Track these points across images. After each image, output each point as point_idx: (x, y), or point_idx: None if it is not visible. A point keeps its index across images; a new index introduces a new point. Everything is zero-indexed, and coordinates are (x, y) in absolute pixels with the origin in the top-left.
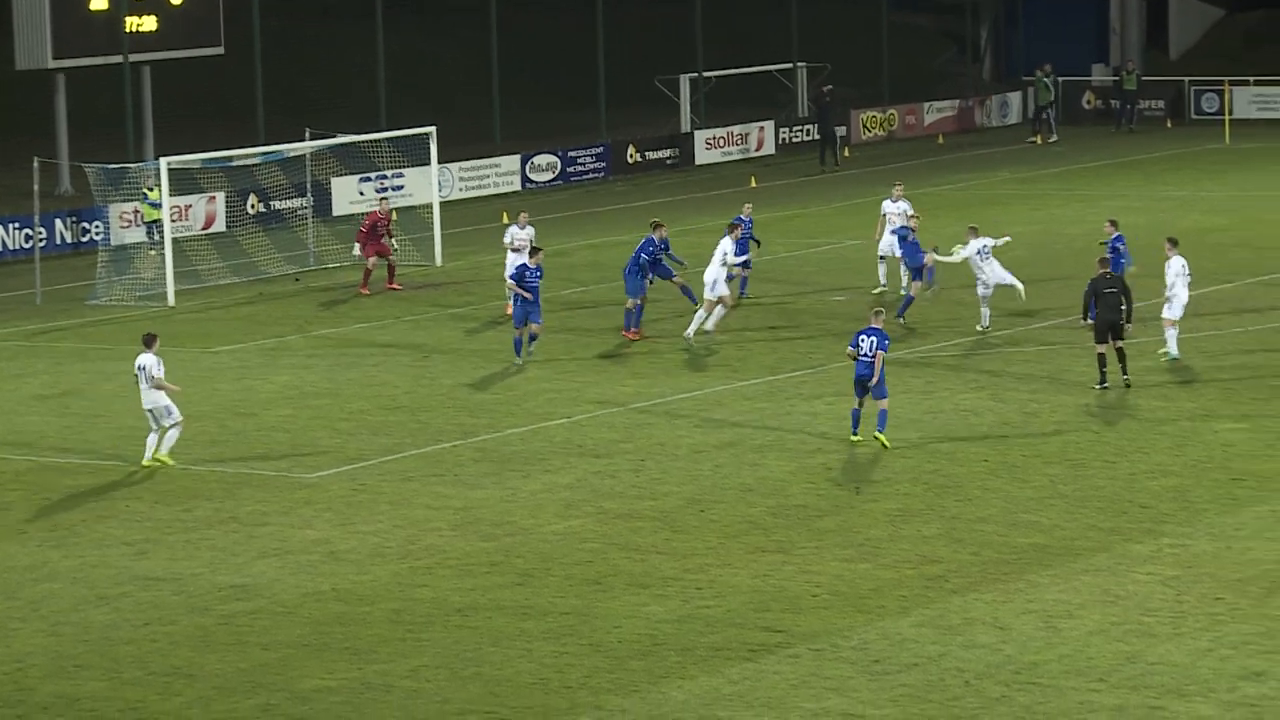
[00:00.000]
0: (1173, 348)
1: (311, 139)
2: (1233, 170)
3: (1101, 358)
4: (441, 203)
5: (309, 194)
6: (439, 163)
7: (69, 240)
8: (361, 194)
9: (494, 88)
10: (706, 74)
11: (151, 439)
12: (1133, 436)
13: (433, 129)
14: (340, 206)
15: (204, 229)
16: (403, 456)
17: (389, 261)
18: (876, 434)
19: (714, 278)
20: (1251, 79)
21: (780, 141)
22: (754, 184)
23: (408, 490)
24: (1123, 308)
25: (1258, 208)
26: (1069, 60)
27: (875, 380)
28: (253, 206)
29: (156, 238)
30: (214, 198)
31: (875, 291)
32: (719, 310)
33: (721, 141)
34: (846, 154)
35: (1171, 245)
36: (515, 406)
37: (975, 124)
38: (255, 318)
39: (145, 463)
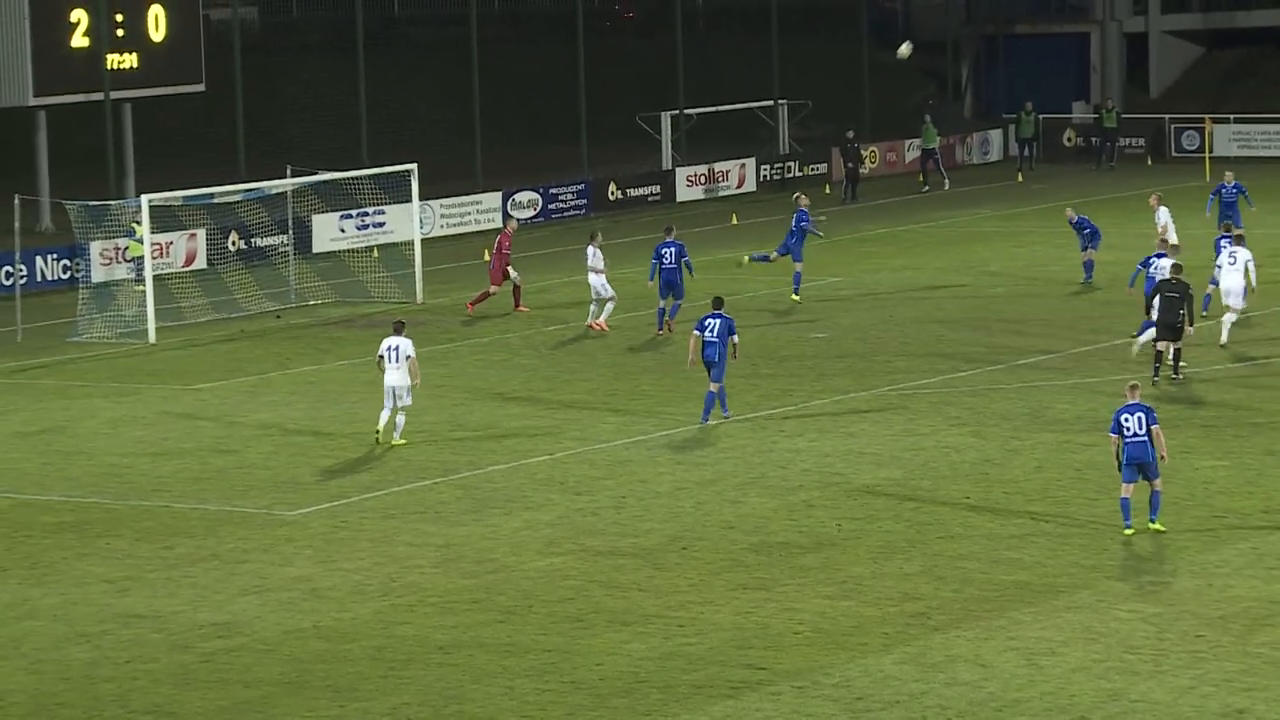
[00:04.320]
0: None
1: (293, 176)
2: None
3: (1159, 354)
4: (423, 239)
5: (290, 231)
6: (420, 199)
7: (50, 277)
8: (342, 231)
9: (475, 124)
10: (688, 111)
11: (384, 415)
12: (1115, 473)
13: (414, 166)
14: (321, 244)
15: (185, 266)
16: (384, 494)
17: (515, 284)
18: (1151, 523)
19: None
20: (1231, 116)
21: (761, 179)
22: (735, 221)
23: (389, 528)
24: (1182, 311)
25: None
26: (1049, 98)
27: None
28: (234, 243)
29: (141, 274)
30: (195, 235)
31: None
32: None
33: (703, 178)
34: (827, 190)
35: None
36: (496, 444)
37: (957, 161)
38: (236, 355)
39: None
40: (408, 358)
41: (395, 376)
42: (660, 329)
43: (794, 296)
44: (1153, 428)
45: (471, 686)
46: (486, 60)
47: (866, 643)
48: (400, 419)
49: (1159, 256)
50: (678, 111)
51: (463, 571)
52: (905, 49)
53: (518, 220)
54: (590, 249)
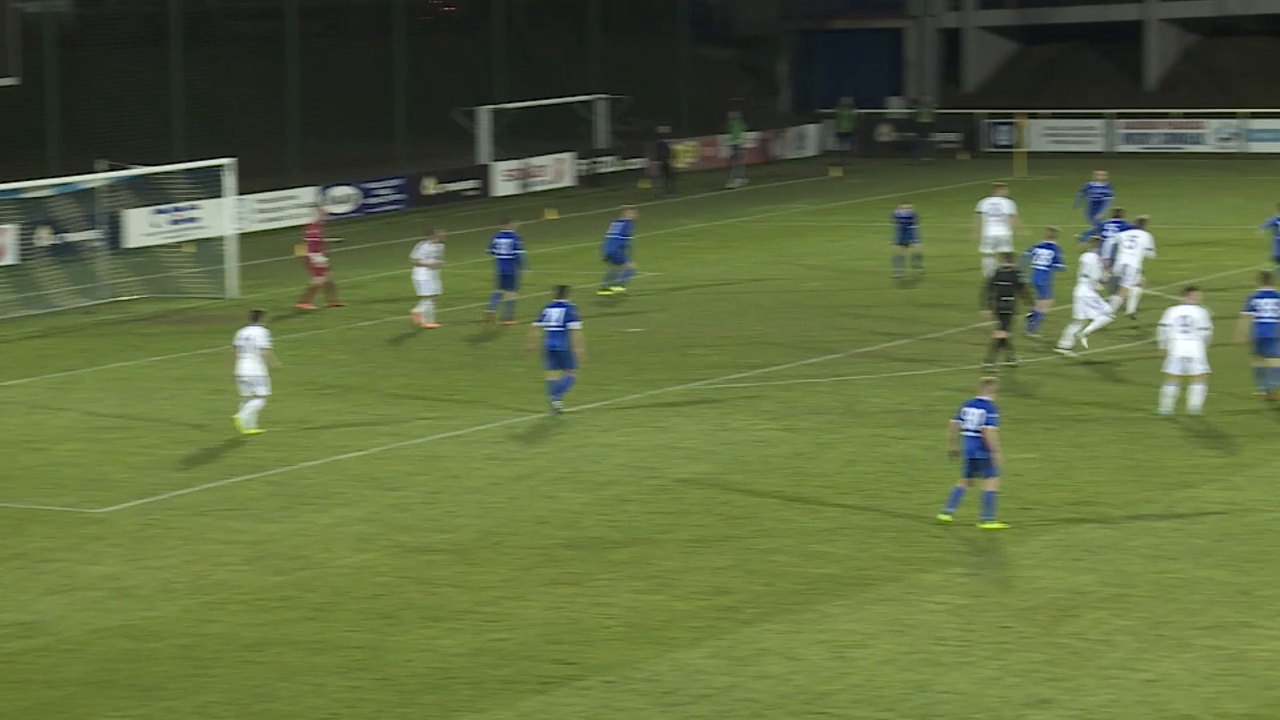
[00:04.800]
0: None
1: (106, 170)
2: (1028, 203)
3: (999, 341)
4: (238, 234)
5: (102, 226)
6: (236, 194)
7: None
8: (156, 226)
9: (291, 118)
10: (506, 106)
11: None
12: (925, 467)
13: (229, 160)
14: (134, 238)
15: None
16: (195, 491)
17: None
18: (981, 523)
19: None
20: (1045, 112)
21: (579, 173)
22: (553, 216)
23: (199, 525)
24: (1010, 299)
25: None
26: (866, 93)
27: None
28: (45, 239)
29: None
30: (4, 230)
31: None
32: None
33: (520, 173)
34: (645, 186)
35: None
36: (309, 439)
37: (774, 156)
38: (45, 351)
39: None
40: (261, 348)
41: (248, 366)
42: (491, 309)
43: (617, 288)
44: (986, 428)
45: (280, 684)
46: (304, 54)
47: (677, 637)
48: (254, 405)
49: (1044, 248)
50: (496, 106)
51: (273, 568)
52: None
53: (327, 211)
54: (426, 244)
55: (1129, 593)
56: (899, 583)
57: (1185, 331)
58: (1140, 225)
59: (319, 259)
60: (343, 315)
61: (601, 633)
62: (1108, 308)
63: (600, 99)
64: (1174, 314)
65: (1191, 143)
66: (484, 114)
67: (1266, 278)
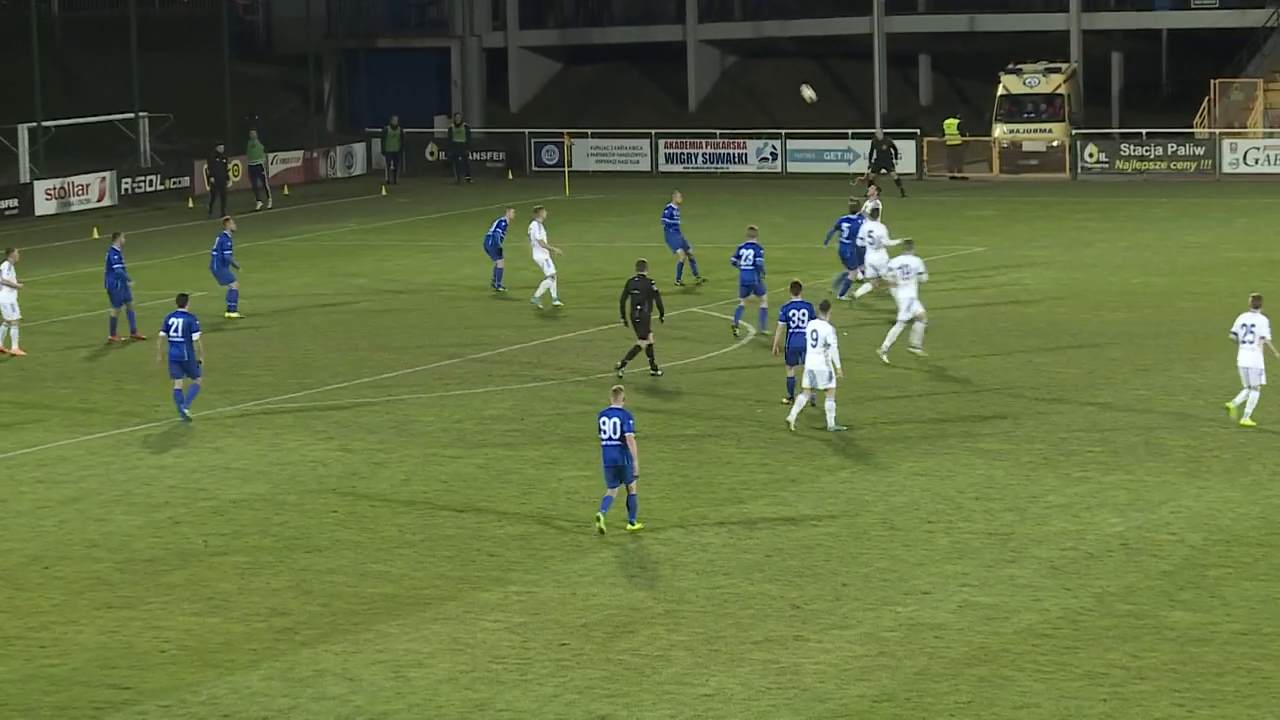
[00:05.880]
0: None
1: None
2: (572, 222)
3: (637, 349)
4: None
5: None
6: None
7: None
8: None
9: None
10: (45, 124)
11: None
12: (480, 486)
13: None
14: None
15: None
16: None
17: None
18: (629, 525)
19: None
20: (590, 131)
21: (123, 192)
22: (96, 235)
23: None
24: (641, 307)
25: (598, 259)
26: (413, 112)
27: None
28: None
29: None
30: None
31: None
32: None
33: (62, 192)
34: (190, 204)
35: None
36: None
37: (320, 175)
38: None
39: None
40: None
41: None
42: (113, 335)
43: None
44: (627, 435)
45: None
46: None
47: (234, 659)
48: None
49: (746, 247)
50: (35, 124)
51: None
52: (808, 92)
53: None
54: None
55: (683, 608)
56: (456, 601)
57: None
58: (908, 246)
59: None
60: None
61: (157, 656)
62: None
63: (142, 117)
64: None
65: (734, 162)
66: (23, 132)
67: (797, 287)
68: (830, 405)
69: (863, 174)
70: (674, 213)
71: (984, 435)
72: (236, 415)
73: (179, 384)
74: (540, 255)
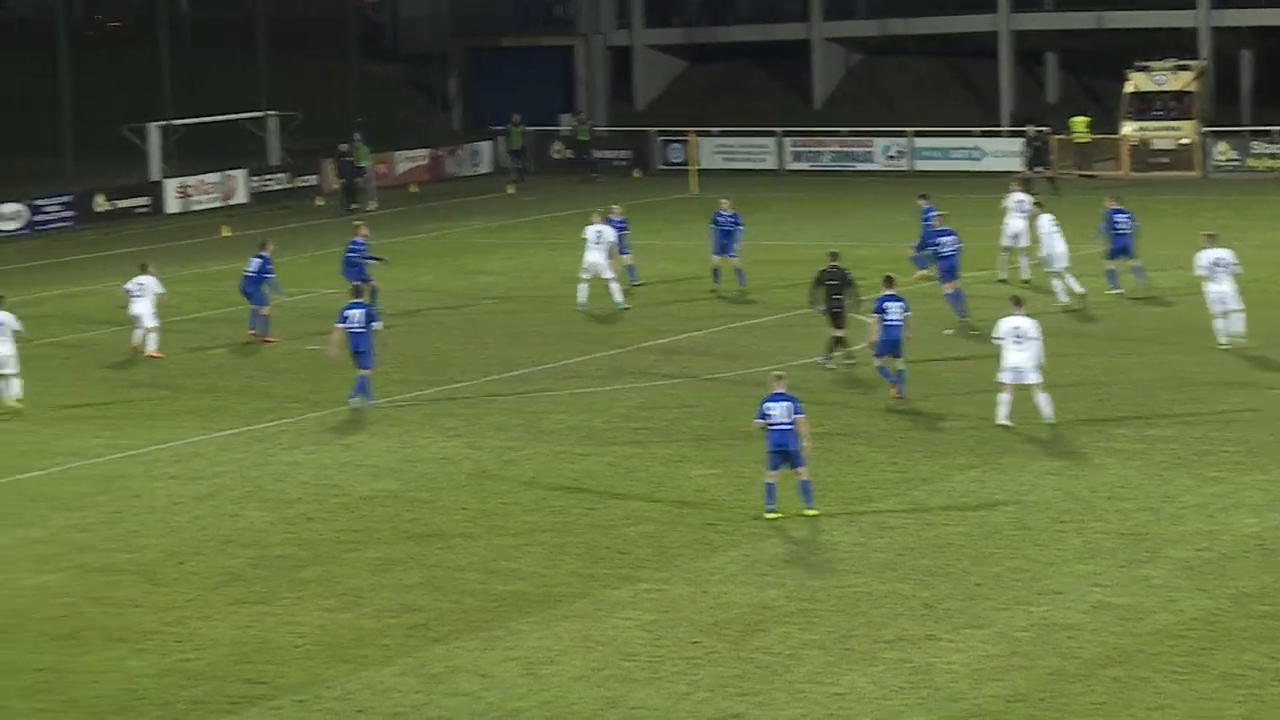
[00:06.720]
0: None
1: None
2: (700, 220)
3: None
4: None
5: None
6: None
7: None
8: None
9: None
10: (176, 122)
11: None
12: (609, 484)
13: None
14: None
15: None
16: None
17: None
18: (805, 510)
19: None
20: (715, 130)
21: (252, 190)
22: (226, 233)
23: None
24: (839, 296)
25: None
26: (538, 110)
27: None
28: None
29: None
30: None
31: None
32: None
33: (192, 190)
34: (320, 202)
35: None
36: None
37: (446, 173)
38: None
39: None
40: (13, 330)
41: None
42: (254, 331)
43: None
44: (797, 417)
45: None
46: None
47: (367, 655)
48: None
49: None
50: (166, 122)
51: None
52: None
53: None
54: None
55: (815, 607)
56: (587, 599)
57: (1018, 342)
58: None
59: None
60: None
61: (291, 652)
62: None
63: (270, 116)
64: (1005, 325)
65: (860, 161)
66: (154, 130)
67: (890, 281)
68: (1044, 398)
69: (1020, 172)
70: (724, 218)
71: (1116, 435)
72: (368, 412)
73: (361, 372)
74: (604, 257)
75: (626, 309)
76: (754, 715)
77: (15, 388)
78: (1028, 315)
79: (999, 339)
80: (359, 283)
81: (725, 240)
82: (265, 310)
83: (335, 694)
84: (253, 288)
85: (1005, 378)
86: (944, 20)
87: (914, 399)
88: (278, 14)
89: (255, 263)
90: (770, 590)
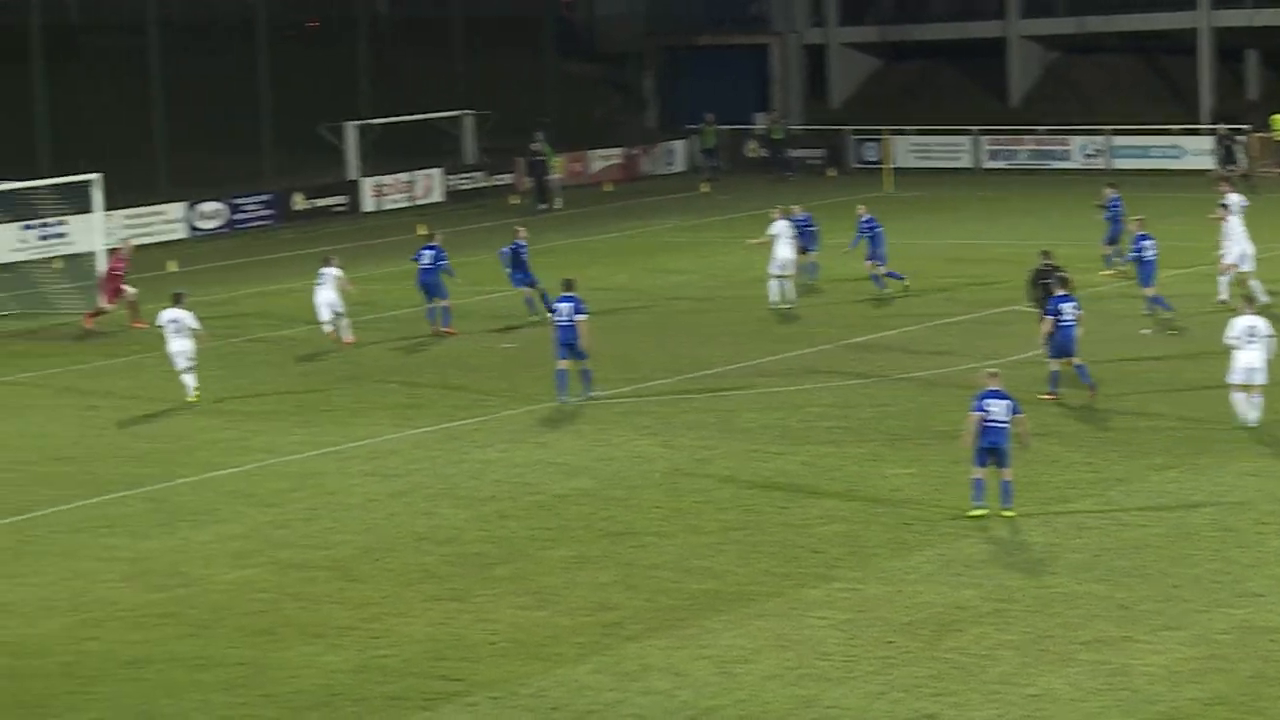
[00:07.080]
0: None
1: None
2: (894, 219)
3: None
4: (106, 250)
5: None
6: (103, 210)
7: None
8: (24, 241)
9: (157, 133)
10: (372, 121)
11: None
12: (803, 482)
13: (97, 176)
14: (1, 255)
15: None
16: (71, 508)
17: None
18: (1003, 510)
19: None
20: (910, 129)
21: (448, 189)
22: (423, 231)
23: (77, 542)
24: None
25: (922, 255)
26: (732, 109)
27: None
28: None
29: None
30: None
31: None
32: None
33: (388, 189)
34: (515, 201)
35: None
36: (185, 456)
37: (641, 172)
38: None
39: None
40: (191, 328)
41: (177, 344)
42: (434, 326)
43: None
44: (1017, 416)
45: (163, 701)
46: (167, 69)
47: (561, 652)
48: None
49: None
50: (362, 122)
51: (152, 585)
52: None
53: (130, 244)
54: (328, 270)
55: (1010, 607)
56: (781, 598)
57: (1252, 341)
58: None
59: (126, 290)
60: (215, 331)
61: (486, 649)
62: None
63: (466, 115)
64: (1240, 325)
65: (1057, 159)
66: (350, 129)
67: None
68: (1258, 400)
69: (1212, 170)
70: (871, 223)
71: None
72: (561, 410)
73: (565, 364)
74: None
75: (793, 306)
76: (948, 716)
77: (191, 382)
78: (1259, 315)
79: (1233, 339)
80: (526, 287)
81: (873, 246)
82: (445, 302)
83: (530, 691)
84: (432, 279)
85: (1237, 378)
86: (1143, 18)
87: (1108, 397)
88: (475, 13)
89: (428, 254)
90: (965, 590)
